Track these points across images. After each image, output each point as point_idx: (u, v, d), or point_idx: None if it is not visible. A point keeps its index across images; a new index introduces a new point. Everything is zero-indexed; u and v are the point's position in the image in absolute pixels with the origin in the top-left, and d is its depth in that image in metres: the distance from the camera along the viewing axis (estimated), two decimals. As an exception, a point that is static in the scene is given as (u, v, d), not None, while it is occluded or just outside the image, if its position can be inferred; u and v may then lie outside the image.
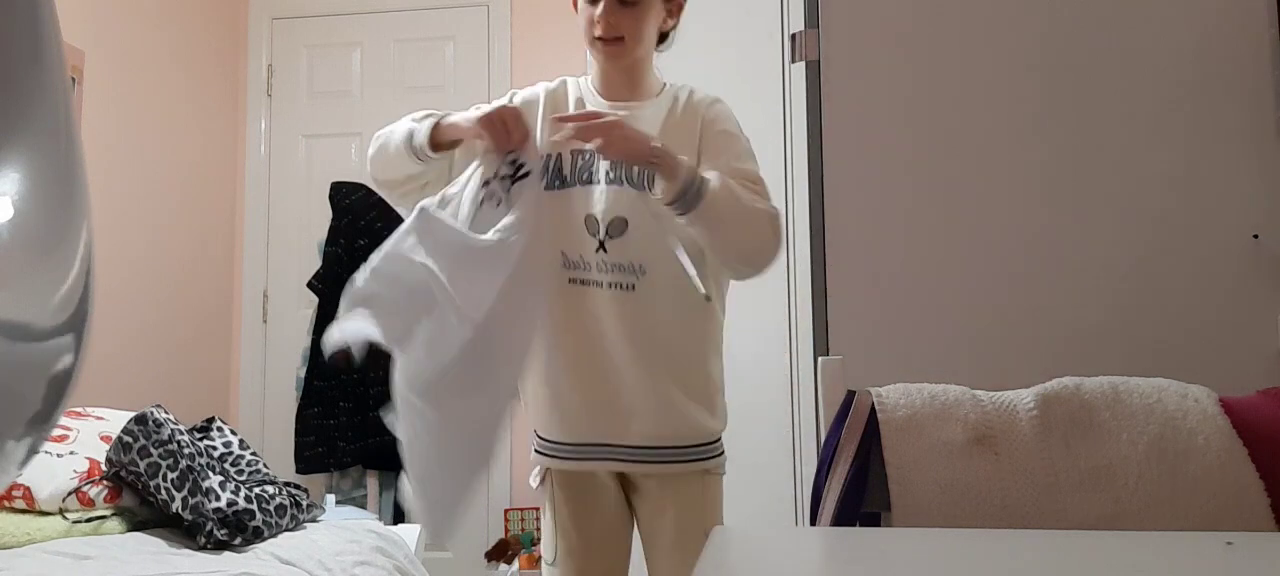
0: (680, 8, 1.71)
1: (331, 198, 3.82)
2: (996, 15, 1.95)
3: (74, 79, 3.03)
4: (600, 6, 1.61)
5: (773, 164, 2.51)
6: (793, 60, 2.19)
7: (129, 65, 3.37)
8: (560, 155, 1.64)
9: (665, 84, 1.73)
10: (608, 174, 1.61)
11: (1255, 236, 1.83)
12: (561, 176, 1.64)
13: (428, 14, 4.04)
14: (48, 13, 0.62)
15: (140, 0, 3.48)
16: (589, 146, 1.55)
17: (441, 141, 1.62)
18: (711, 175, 1.51)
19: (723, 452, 1.70)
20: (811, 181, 2.01)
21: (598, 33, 1.62)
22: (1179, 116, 1.88)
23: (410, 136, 1.62)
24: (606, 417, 1.63)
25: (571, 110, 1.66)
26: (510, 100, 1.68)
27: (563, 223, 1.61)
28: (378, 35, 4.06)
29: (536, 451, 1.72)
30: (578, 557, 1.72)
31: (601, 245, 1.59)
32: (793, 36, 2.11)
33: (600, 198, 1.60)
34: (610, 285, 1.59)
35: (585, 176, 1.63)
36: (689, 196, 1.48)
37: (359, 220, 3.74)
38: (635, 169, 1.59)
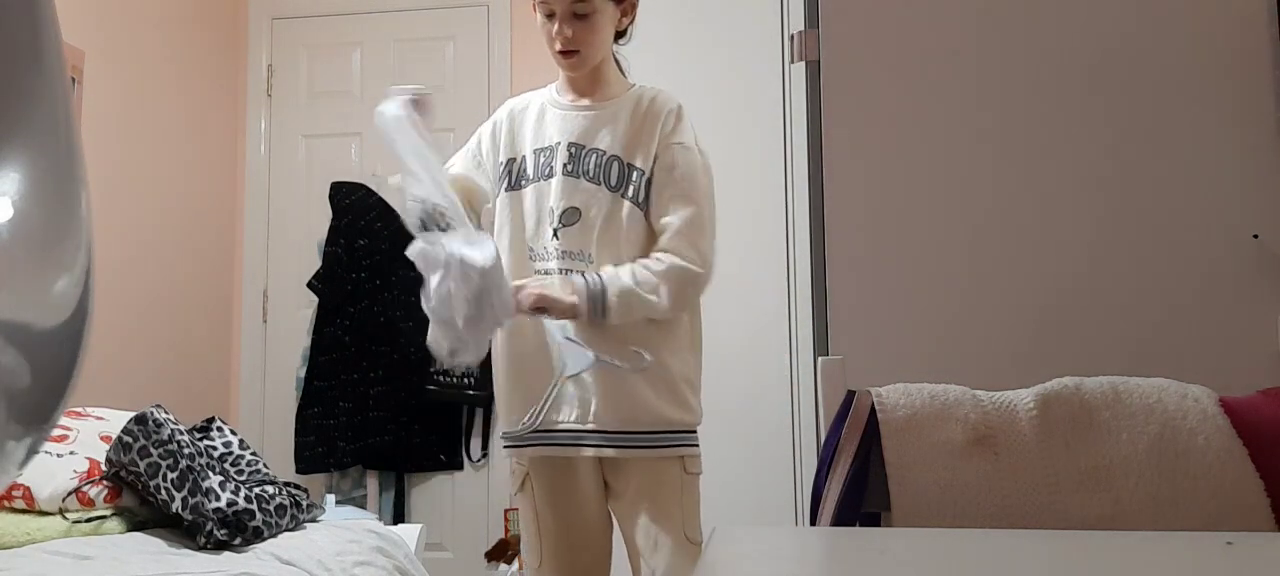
0: (634, 5, 1.80)
1: (331, 198, 3.82)
2: (996, 16, 1.95)
3: (74, 79, 3.02)
4: (556, 23, 1.71)
5: (773, 164, 2.51)
6: (793, 60, 2.20)
7: (129, 65, 3.37)
8: (523, 156, 1.76)
9: (632, 84, 1.81)
10: (565, 166, 1.71)
11: (1255, 236, 1.83)
12: (525, 175, 1.75)
13: (428, 14, 4.03)
14: (48, 13, 0.62)
15: (140, 0, 3.48)
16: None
17: None
18: (616, 279, 1.62)
19: (696, 445, 1.71)
20: (811, 181, 2.01)
21: (557, 47, 1.72)
22: (1179, 116, 1.88)
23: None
24: (567, 401, 1.68)
25: (531, 122, 1.79)
26: (491, 128, 1.83)
27: (527, 217, 1.73)
28: (378, 35, 4.06)
29: (512, 447, 1.74)
30: (564, 552, 1.73)
31: (555, 233, 1.70)
32: (793, 36, 2.11)
33: (556, 188, 1.71)
34: (563, 270, 1.68)
35: (546, 172, 1.73)
36: (596, 317, 1.60)
37: (359, 220, 3.73)
38: (591, 162, 1.71)
